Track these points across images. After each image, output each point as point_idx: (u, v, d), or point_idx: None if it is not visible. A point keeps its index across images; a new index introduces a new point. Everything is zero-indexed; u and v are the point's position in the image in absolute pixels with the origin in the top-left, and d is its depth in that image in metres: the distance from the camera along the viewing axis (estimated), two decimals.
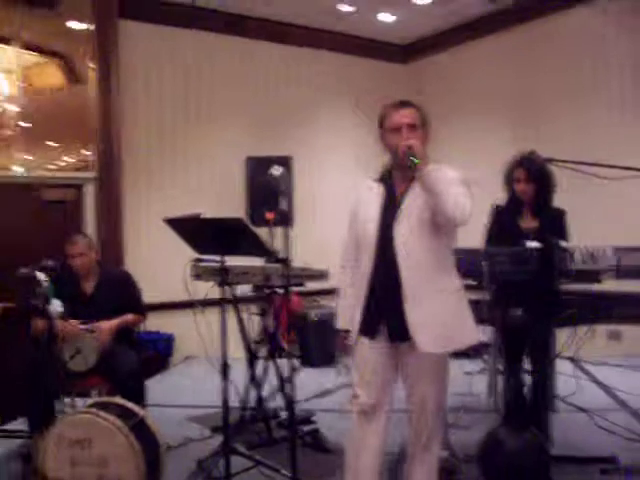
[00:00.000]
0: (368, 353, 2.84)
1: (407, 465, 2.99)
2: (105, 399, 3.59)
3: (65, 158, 7.87)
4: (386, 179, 2.91)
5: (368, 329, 2.83)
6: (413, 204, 2.76)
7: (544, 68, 7.17)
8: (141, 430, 3.26)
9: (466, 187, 2.71)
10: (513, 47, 7.47)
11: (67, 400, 4.17)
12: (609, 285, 3.55)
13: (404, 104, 2.88)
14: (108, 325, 4.04)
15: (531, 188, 3.89)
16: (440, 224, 2.72)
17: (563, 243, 3.53)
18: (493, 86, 7.70)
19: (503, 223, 3.98)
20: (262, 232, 4.37)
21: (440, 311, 2.75)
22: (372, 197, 2.88)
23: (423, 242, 2.72)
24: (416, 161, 2.61)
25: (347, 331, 2.93)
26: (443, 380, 2.91)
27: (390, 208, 2.81)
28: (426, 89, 8.41)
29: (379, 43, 8.48)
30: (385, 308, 2.79)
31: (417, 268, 2.73)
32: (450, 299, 2.80)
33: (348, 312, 2.93)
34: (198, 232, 3.60)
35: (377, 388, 2.85)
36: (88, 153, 6.76)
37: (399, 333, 2.76)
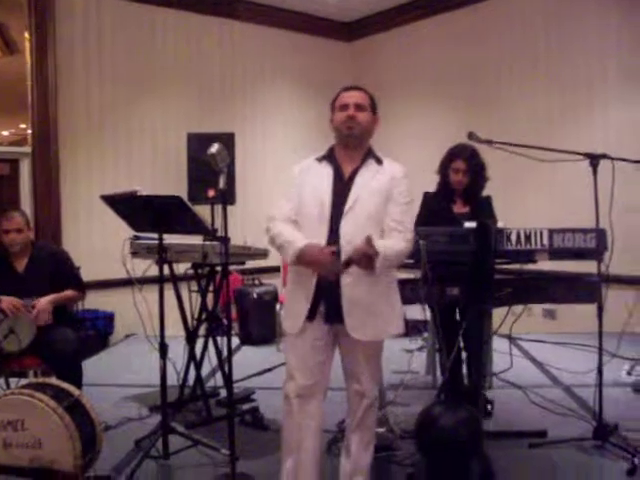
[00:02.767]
0: (305, 334, 2.83)
1: (345, 440, 3.04)
2: (40, 380, 3.53)
3: (1, 132, 7.64)
4: (331, 158, 2.91)
5: (309, 310, 2.82)
6: (362, 190, 2.78)
7: (494, 50, 7.22)
8: (76, 410, 3.20)
9: (409, 197, 2.86)
10: (462, 28, 7.49)
11: (0, 381, 4.09)
12: (544, 265, 3.64)
13: (355, 87, 2.96)
14: (45, 300, 3.93)
15: (467, 178, 4.02)
16: None
17: (500, 224, 3.60)
18: (440, 68, 7.72)
19: (435, 209, 4.06)
20: (203, 210, 4.34)
21: (374, 301, 2.79)
22: (320, 177, 2.86)
23: (366, 229, 2.71)
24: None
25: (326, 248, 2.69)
26: (377, 361, 2.97)
27: (339, 190, 2.82)
28: (371, 68, 8.41)
29: (324, 21, 8.44)
30: (326, 288, 2.77)
31: None
32: (383, 288, 2.84)
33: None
34: (135, 210, 3.54)
35: (314, 369, 2.85)
36: (24, 126, 6.56)
37: (336, 314, 2.77)
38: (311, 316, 2.81)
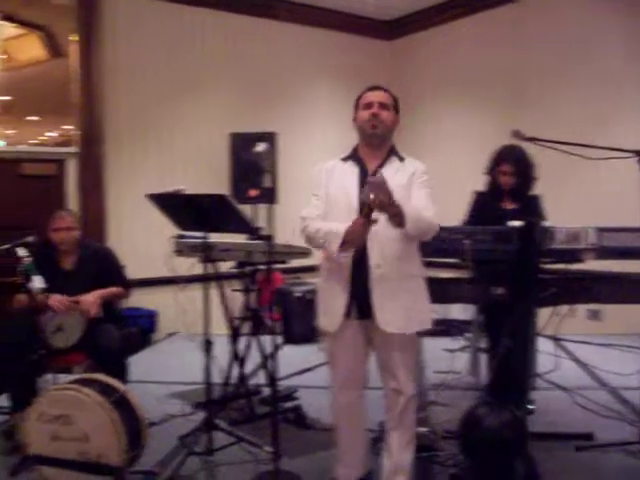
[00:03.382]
0: (342, 331, 2.88)
1: (385, 439, 3.05)
2: (87, 375, 3.58)
3: (47, 133, 7.78)
4: (356, 157, 2.98)
5: (345, 308, 2.87)
6: None
7: (533, 47, 7.10)
8: (122, 405, 3.26)
9: (430, 187, 2.90)
10: (500, 25, 7.39)
11: (49, 376, 4.17)
12: (591, 265, 3.57)
13: (379, 87, 3.05)
14: (92, 297, 3.98)
15: (514, 179, 4.00)
16: None
17: (546, 223, 3.55)
18: (479, 66, 7.62)
19: (485, 206, 4.03)
20: (246, 209, 4.36)
21: (403, 295, 2.82)
22: (346, 176, 2.92)
23: (392, 228, 2.73)
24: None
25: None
26: (412, 356, 2.99)
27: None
28: (411, 67, 8.36)
29: (364, 19, 8.42)
30: (357, 284, 2.83)
31: (385, 252, 2.79)
32: (413, 284, 2.88)
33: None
34: (181, 208, 3.58)
35: (351, 366, 2.93)
36: (70, 127, 6.68)
37: (367, 309, 2.82)
38: (347, 313, 2.85)
